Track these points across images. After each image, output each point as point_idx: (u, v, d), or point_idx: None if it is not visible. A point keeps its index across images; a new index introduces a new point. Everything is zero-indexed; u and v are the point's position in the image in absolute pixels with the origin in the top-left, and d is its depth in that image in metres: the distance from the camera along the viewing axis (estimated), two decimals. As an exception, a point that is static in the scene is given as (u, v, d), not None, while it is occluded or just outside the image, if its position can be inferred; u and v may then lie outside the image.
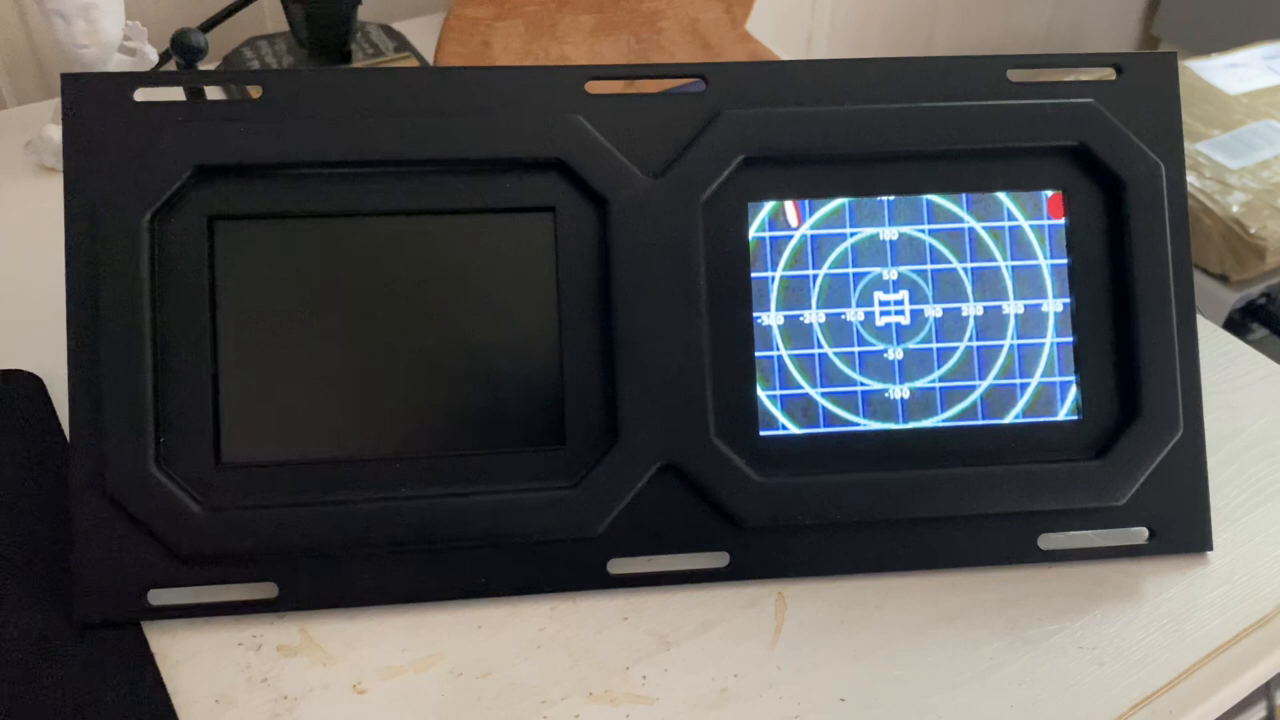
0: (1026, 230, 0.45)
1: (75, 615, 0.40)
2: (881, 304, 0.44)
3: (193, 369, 0.41)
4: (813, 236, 0.44)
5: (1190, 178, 1.03)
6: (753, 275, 0.44)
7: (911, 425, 0.44)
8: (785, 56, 0.76)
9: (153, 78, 0.43)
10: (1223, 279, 1.01)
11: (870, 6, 1.23)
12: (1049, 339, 0.45)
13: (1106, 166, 0.44)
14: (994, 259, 0.45)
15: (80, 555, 0.40)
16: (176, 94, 0.53)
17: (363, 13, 0.74)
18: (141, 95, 0.41)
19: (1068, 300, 0.45)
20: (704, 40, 0.72)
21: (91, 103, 0.41)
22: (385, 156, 0.42)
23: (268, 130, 0.41)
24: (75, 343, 0.40)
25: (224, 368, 0.41)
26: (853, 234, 0.44)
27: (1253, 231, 0.98)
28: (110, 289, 0.40)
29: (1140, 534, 0.45)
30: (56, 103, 0.67)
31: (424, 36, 0.80)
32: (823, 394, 0.44)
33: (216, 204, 0.41)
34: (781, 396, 0.44)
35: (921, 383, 0.44)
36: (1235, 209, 1.00)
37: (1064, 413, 0.45)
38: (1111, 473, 0.44)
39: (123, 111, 0.41)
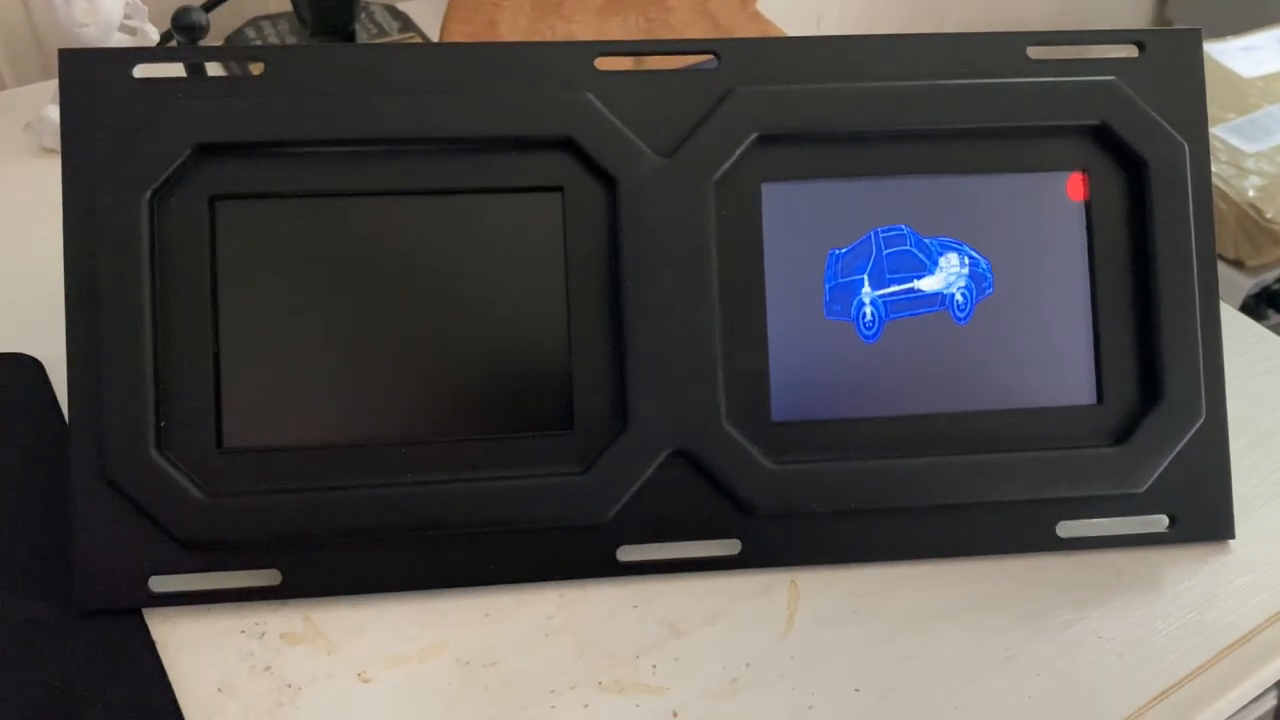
0: (1047, 210, 0.44)
1: (76, 602, 0.39)
2: (898, 284, 0.43)
3: (194, 352, 0.40)
4: (829, 216, 0.43)
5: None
6: (766, 256, 0.43)
7: (927, 410, 0.43)
8: (795, 37, 0.75)
9: (153, 54, 0.42)
10: (1237, 264, 1.00)
11: (880, -11, 1.22)
12: (1068, 321, 0.44)
13: (1129, 146, 0.43)
14: (1013, 239, 0.44)
15: (80, 542, 0.39)
16: (177, 71, 0.52)
17: (367, -8, 0.73)
18: (141, 72, 0.40)
19: (1088, 282, 0.44)
20: (714, 20, 0.71)
21: (90, 79, 0.40)
22: (390, 135, 0.41)
23: (270, 107, 0.40)
24: (74, 325, 0.40)
25: (226, 350, 0.41)
26: (869, 214, 0.43)
27: (1268, 216, 0.97)
28: (109, 270, 0.39)
29: (1160, 522, 0.44)
30: (56, 83, 0.66)
31: (429, 17, 0.79)
32: (838, 378, 0.43)
33: (218, 183, 0.41)
34: (795, 381, 0.43)
35: (938, 365, 0.43)
36: (1251, 193, 0.99)
37: (1083, 397, 0.44)
38: (1132, 459, 0.43)
39: (122, 88, 0.40)
